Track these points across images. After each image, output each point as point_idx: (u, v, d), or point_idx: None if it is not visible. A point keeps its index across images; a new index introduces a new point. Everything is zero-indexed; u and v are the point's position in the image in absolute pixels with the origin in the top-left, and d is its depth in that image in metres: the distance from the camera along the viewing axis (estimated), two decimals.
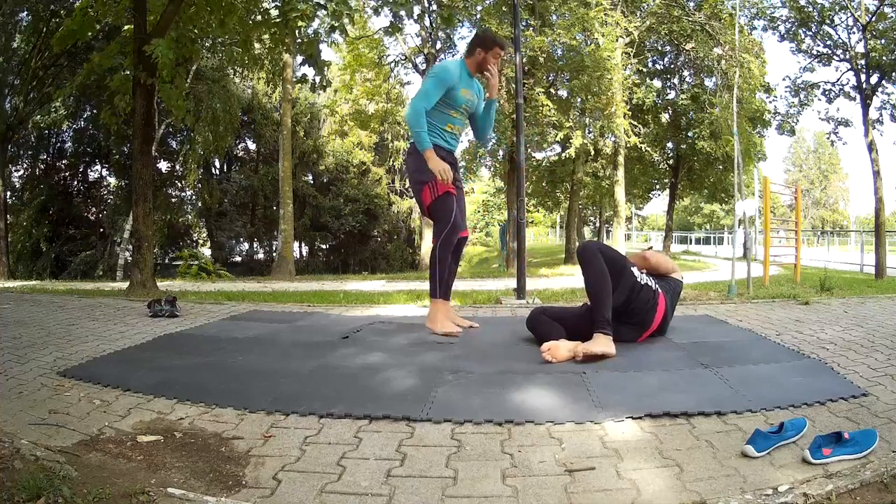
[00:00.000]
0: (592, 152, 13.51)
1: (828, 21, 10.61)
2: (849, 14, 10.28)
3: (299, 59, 10.73)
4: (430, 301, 3.03)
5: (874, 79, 10.14)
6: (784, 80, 15.41)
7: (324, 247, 22.81)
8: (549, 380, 2.10)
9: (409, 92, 20.08)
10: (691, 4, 14.50)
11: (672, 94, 16.66)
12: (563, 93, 13.58)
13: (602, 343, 2.37)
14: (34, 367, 2.31)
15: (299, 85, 14.98)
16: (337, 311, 3.91)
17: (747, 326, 3.13)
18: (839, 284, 5.50)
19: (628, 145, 13.34)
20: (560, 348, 2.38)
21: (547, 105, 11.92)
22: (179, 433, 1.69)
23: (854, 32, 10.36)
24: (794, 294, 4.42)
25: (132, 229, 6.44)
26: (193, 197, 19.63)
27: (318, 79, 6.06)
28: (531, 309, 2.93)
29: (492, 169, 17.30)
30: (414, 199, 3.23)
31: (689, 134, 16.05)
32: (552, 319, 2.71)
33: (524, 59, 10.73)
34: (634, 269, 2.64)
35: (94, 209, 18.43)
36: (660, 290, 2.68)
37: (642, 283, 2.62)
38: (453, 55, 15.71)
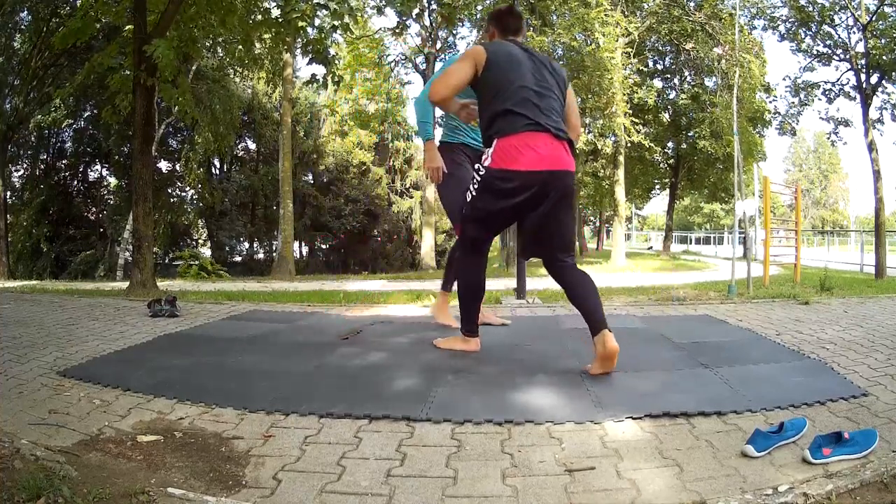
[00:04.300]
0: (601, 148, 13.48)
1: (828, 21, 10.62)
2: (849, 14, 10.29)
3: (301, 58, 10.76)
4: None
5: (874, 79, 10.15)
6: (784, 79, 15.45)
7: (324, 247, 22.77)
8: (549, 380, 2.10)
9: (408, 91, 20.08)
10: (691, 4, 14.49)
11: (672, 94, 16.67)
12: None
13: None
14: (34, 367, 2.31)
15: (299, 84, 15.02)
16: (337, 310, 3.91)
17: (747, 326, 3.13)
18: (839, 284, 5.50)
19: (630, 143, 13.31)
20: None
21: None
22: (179, 433, 1.69)
23: (854, 32, 10.38)
24: (794, 294, 4.41)
25: (132, 229, 6.44)
26: (194, 197, 19.60)
27: (329, 77, 6.02)
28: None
29: None
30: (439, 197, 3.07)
31: (690, 133, 16.05)
32: None
33: None
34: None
35: (94, 209, 18.40)
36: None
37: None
38: (453, 55, 15.72)
